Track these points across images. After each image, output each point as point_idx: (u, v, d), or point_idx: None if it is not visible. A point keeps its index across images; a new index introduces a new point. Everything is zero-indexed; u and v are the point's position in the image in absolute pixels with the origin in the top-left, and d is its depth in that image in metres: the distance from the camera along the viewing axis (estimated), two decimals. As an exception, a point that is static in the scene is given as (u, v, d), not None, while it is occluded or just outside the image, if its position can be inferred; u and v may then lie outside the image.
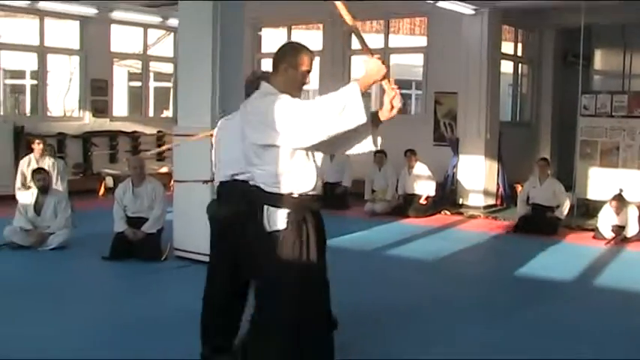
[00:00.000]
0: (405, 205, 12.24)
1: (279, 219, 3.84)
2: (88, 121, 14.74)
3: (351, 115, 3.63)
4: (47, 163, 10.69)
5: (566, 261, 8.97)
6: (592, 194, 12.07)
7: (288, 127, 3.69)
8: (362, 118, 3.64)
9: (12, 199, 10.55)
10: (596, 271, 8.50)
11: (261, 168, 3.87)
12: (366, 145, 3.94)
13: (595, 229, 10.56)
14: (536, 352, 5.54)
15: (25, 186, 10.37)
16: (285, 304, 3.88)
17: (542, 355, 5.47)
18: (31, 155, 10.92)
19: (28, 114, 18.78)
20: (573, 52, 14.03)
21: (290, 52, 4.07)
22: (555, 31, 14.87)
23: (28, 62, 17.11)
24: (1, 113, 13.92)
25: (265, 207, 3.86)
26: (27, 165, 10.76)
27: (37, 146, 10.87)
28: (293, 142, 3.74)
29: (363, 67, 3.75)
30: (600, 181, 11.91)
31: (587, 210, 12.00)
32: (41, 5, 13.36)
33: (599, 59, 15.76)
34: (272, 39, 16.72)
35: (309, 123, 3.65)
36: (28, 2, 13.04)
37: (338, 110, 3.62)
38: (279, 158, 3.80)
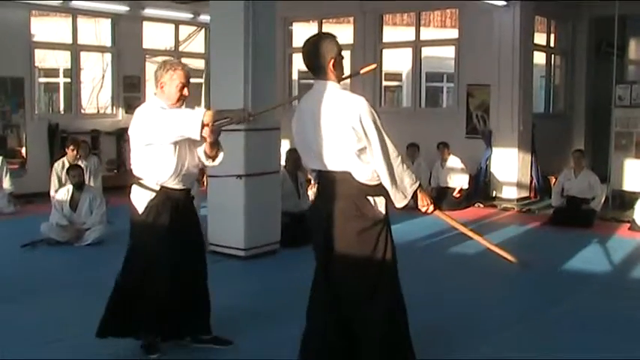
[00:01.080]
0: (438, 198, 12.17)
1: (383, 207, 4.21)
2: (121, 117, 14.85)
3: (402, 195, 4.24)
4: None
5: (601, 253, 8.88)
6: (628, 186, 11.95)
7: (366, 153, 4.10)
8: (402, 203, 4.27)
9: (48, 195, 10.70)
10: (633, 263, 8.41)
11: (363, 165, 4.11)
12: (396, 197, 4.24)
13: (631, 221, 10.44)
14: (573, 345, 5.50)
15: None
16: (397, 283, 4.31)
17: (579, 348, 5.42)
18: (64, 159, 11.01)
19: (62, 112, 19.01)
20: (607, 42, 13.88)
21: (331, 43, 4.21)
22: (588, 22, 14.70)
23: (61, 60, 17.33)
24: (36, 111, 14.02)
25: (371, 198, 4.15)
26: (61, 168, 10.85)
27: (71, 152, 10.94)
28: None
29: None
30: (636, 173, 11.79)
31: (622, 202, 11.87)
32: (74, 4, 13.49)
33: (634, 49, 15.56)
34: (303, 34, 16.73)
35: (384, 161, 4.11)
36: (61, 2, 13.18)
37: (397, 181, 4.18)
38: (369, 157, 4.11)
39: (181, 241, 5.00)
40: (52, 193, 10.63)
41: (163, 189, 4.92)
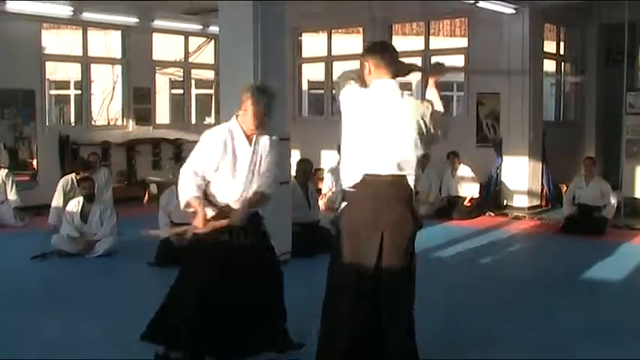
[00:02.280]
0: (449, 208, 12.17)
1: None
2: (132, 129, 14.89)
3: None
4: None
5: (614, 261, 8.83)
6: (639, 193, 11.88)
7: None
8: None
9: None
10: (646, 271, 8.36)
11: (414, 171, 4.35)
12: None
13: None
14: (586, 353, 5.46)
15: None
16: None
17: (592, 355, 5.39)
18: (72, 176, 10.90)
19: (73, 123, 19.07)
20: (617, 49, 13.82)
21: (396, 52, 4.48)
22: (598, 28, 14.65)
23: (72, 72, 17.40)
24: (47, 123, 14.08)
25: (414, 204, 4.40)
26: (69, 186, 10.75)
27: (83, 173, 10.76)
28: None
29: None
30: (647, 180, 11.75)
31: (634, 209, 11.82)
32: (84, 16, 13.53)
33: (645, 56, 15.50)
34: (312, 44, 16.76)
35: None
36: (72, 14, 13.23)
37: None
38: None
39: (227, 260, 4.94)
40: (53, 204, 10.51)
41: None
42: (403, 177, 4.24)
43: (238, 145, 4.90)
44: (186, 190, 4.90)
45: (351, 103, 4.40)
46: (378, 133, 4.25)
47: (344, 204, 4.42)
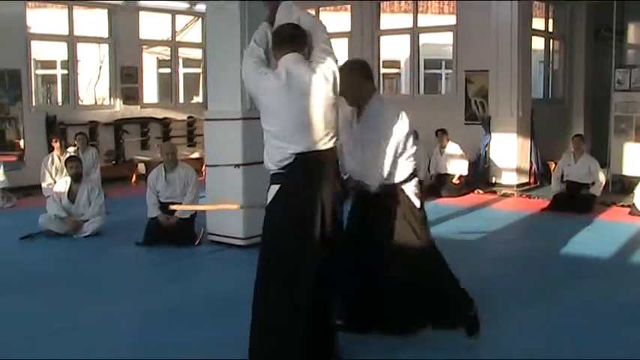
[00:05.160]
0: (438, 185, 12.17)
1: None
2: (119, 108, 14.83)
3: None
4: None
5: (602, 238, 8.85)
6: (627, 170, 11.93)
7: None
8: None
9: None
10: (633, 248, 8.37)
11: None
12: None
13: (631, 206, 10.41)
14: (575, 330, 5.48)
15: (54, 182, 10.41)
16: None
17: (581, 333, 5.42)
18: (53, 153, 10.98)
19: (60, 103, 18.94)
20: (606, 26, 13.81)
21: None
22: (587, 6, 14.64)
23: (58, 52, 17.26)
24: (34, 103, 13.99)
25: None
26: (51, 163, 10.84)
27: (55, 144, 10.92)
28: None
29: None
30: (636, 157, 11.77)
31: (622, 186, 11.85)
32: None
33: (633, 33, 15.48)
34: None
35: None
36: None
37: None
38: None
39: None
40: (43, 185, 10.64)
41: None
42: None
43: None
44: None
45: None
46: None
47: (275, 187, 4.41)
